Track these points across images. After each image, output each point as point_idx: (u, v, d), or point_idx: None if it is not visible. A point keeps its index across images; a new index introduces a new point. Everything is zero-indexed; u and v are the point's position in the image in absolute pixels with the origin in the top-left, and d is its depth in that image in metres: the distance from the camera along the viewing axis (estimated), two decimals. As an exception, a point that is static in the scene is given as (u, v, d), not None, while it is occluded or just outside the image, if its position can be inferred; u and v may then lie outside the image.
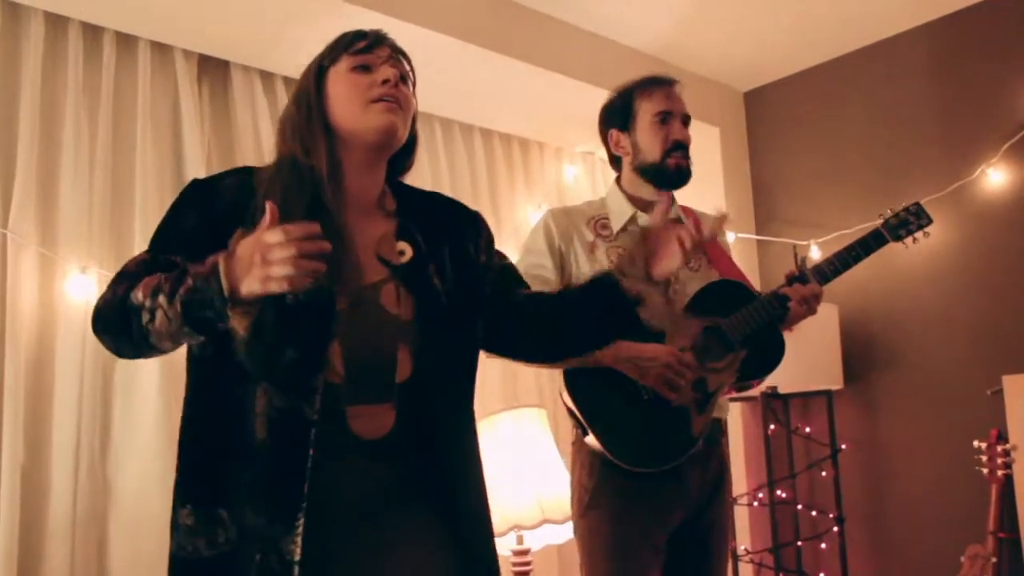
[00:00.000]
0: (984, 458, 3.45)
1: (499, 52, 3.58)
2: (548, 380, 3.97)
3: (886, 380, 4.07)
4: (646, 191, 2.61)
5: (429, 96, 3.86)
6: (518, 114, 4.15)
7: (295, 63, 3.47)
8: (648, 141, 2.57)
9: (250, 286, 1.41)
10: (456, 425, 1.75)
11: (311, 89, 1.76)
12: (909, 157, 3.99)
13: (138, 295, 1.50)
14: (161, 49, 3.23)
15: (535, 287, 2.36)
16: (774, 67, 4.46)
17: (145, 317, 1.49)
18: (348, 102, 1.73)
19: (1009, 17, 3.80)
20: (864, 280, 4.13)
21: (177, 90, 3.24)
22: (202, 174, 3.19)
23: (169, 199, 3.09)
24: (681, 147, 2.56)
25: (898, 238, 2.61)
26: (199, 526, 1.56)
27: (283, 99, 3.49)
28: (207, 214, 1.63)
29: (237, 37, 3.26)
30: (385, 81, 1.75)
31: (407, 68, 1.86)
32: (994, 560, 3.34)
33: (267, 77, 3.48)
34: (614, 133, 2.64)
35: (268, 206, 1.43)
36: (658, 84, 2.62)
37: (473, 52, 3.53)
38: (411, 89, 1.85)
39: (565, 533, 3.27)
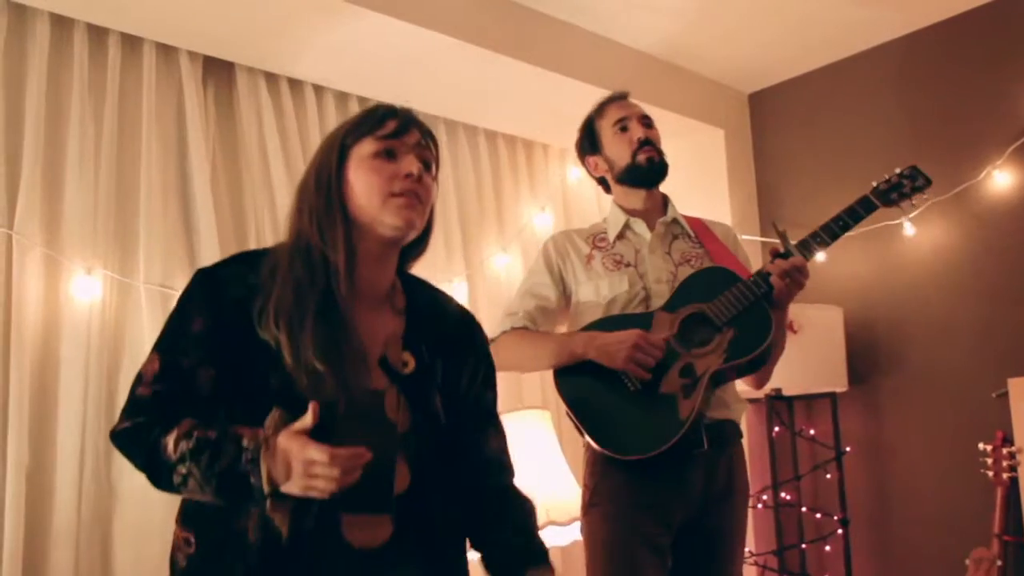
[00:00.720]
0: (989, 461, 3.44)
1: (503, 53, 3.58)
2: (552, 382, 3.97)
3: (891, 382, 4.06)
4: (635, 197, 2.69)
5: (434, 97, 3.88)
6: (523, 116, 4.15)
7: (299, 65, 3.52)
8: (615, 150, 2.69)
9: (290, 488, 1.46)
10: (451, 540, 1.77)
11: (333, 170, 1.69)
12: (914, 159, 3.91)
13: (168, 450, 1.52)
14: (166, 51, 3.23)
15: (535, 304, 2.58)
16: (779, 69, 4.46)
17: (176, 479, 1.52)
18: (368, 193, 1.67)
19: (1014, 19, 3.79)
20: (869, 282, 4.13)
21: (182, 92, 3.24)
22: (207, 176, 3.20)
23: (174, 201, 3.14)
24: (647, 143, 2.65)
25: (890, 202, 2.54)
26: None
27: (288, 100, 3.49)
28: (214, 315, 1.62)
29: (242, 39, 3.26)
30: (408, 175, 1.68)
31: (433, 154, 1.78)
32: (999, 563, 3.33)
33: (271, 79, 3.48)
34: (589, 159, 2.78)
35: (311, 408, 1.47)
36: (610, 101, 2.78)
37: (477, 53, 3.53)
38: (435, 174, 1.79)
39: (570, 535, 3.27)
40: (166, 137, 3.18)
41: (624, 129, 2.68)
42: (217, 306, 1.62)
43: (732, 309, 2.40)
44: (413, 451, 1.67)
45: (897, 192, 2.54)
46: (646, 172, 2.65)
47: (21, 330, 2.74)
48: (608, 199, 2.80)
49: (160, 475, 1.55)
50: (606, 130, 2.71)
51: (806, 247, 2.44)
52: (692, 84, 4.41)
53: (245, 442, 1.49)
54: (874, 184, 2.55)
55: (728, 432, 2.54)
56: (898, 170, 2.56)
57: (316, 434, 1.48)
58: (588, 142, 2.77)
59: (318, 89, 3.62)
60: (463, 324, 1.90)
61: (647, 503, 2.43)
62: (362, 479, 1.50)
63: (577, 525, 2.62)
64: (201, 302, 1.64)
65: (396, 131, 1.71)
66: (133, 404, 1.60)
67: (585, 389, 2.47)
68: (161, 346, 1.63)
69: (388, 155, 1.69)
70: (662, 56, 4.24)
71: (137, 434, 1.57)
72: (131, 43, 3.15)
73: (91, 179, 2.98)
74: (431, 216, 1.80)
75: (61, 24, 3.00)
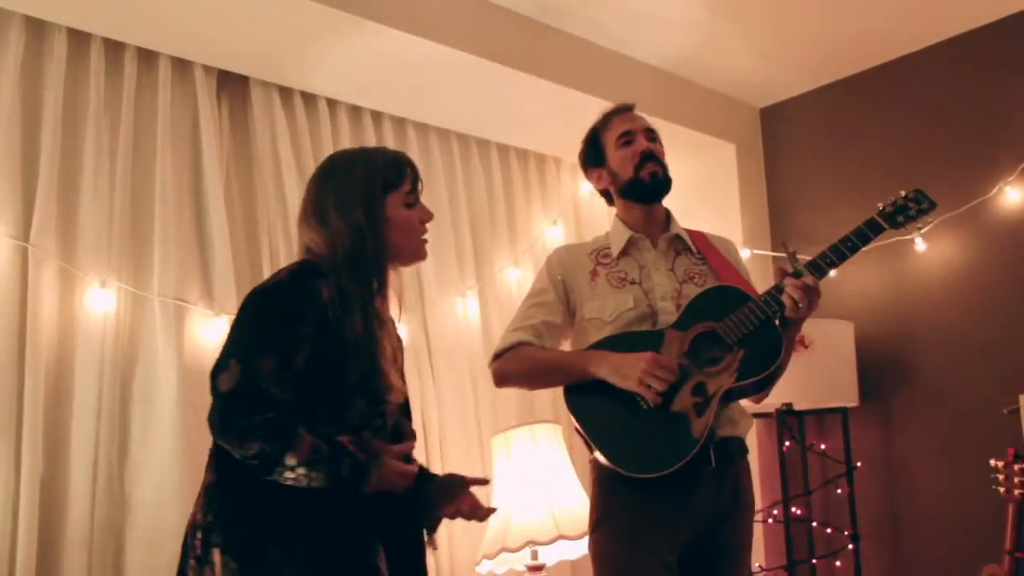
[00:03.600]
0: (1001, 477, 3.42)
1: (516, 68, 3.60)
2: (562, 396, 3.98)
3: (902, 398, 4.06)
4: (638, 211, 2.68)
5: (446, 111, 3.90)
6: (535, 130, 4.17)
7: (314, 79, 3.54)
8: (619, 162, 2.67)
9: (377, 487, 1.92)
10: None
11: (378, 208, 2.07)
12: (925, 174, 3.97)
13: (291, 458, 1.82)
14: (181, 65, 3.26)
15: (540, 319, 2.61)
16: (791, 84, 4.47)
17: (288, 477, 1.82)
18: (408, 232, 2.14)
19: (1026, 35, 3.80)
20: (880, 297, 4.13)
21: (197, 105, 3.27)
22: (221, 189, 3.22)
23: (188, 214, 3.17)
24: (651, 157, 2.64)
25: (896, 225, 2.51)
26: None
27: (301, 114, 3.52)
28: (314, 318, 1.93)
29: (256, 53, 3.29)
30: (426, 221, 2.19)
31: None
32: (1011, 580, 3.31)
33: (286, 92, 3.51)
34: (593, 172, 2.76)
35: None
36: (615, 113, 2.76)
37: (490, 68, 3.55)
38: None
39: (580, 548, 3.27)
40: (181, 151, 3.21)
41: (628, 143, 2.65)
42: (315, 312, 1.92)
43: (743, 328, 2.40)
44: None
45: (903, 215, 2.51)
46: (649, 187, 2.63)
47: (36, 341, 2.77)
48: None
49: (267, 462, 1.82)
50: (610, 143, 2.69)
51: (816, 268, 2.42)
52: (704, 98, 4.42)
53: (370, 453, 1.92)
54: (880, 206, 2.53)
55: (734, 448, 2.53)
56: (903, 193, 2.54)
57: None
58: (592, 154, 2.75)
59: (332, 103, 3.65)
60: None
61: (655, 521, 2.42)
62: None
63: (587, 540, 2.62)
64: (306, 309, 1.92)
65: (417, 185, 2.21)
66: (261, 397, 1.82)
67: (596, 406, 2.45)
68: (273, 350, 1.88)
69: (411, 206, 2.18)
70: (674, 71, 4.25)
71: (282, 427, 1.83)
72: (147, 57, 3.18)
73: (106, 192, 3.01)
74: None
75: (78, 39, 3.03)
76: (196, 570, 1.85)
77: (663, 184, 2.65)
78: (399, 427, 2.12)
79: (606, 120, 2.74)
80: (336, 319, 1.92)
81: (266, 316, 1.92)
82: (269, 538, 1.84)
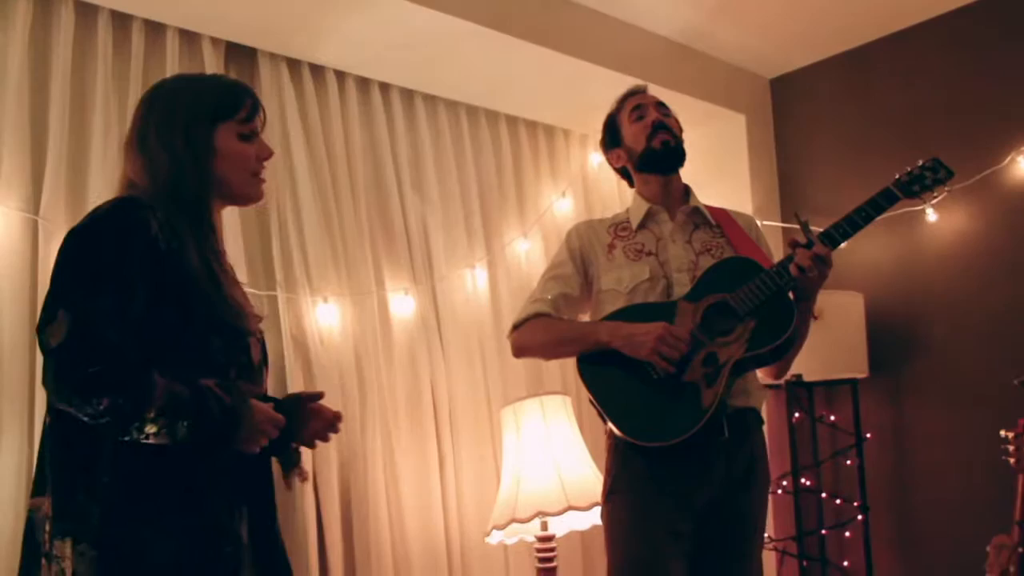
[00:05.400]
0: (1011, 448, 3.42)
1: (525, 39, 3.58)
2: (573, 367, 3.97)
3: (912, 369, 4.05)
4: (655, 184, 2.70)
5: (455, 83, 3.89)
6: (544, 101, 4.15)
7: (321, 51, 3.53)
8: (632, 137, 2.71)
9: (245, 448, 1.75)
10: None
11: (203, 137, 1.90)
12: (937, 144, 3.92)
13: (149, 410, 1.61)
14: (189, 37, 3.25)
15: (558, 291, 2.64)
16: (801, 54, 4.44)
17: (149, 431, 1.62)
18: (239, 166, 1.95)
19: (1040, 3, 3.76)
20: (890, 268, 4.12)
21: (205, 78, 3.25)
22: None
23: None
24: (662, 127, 2.67)
25: (912, 194, 2.50)
26: None
27: (309, 87, 3.51)
28: (143, 252, 1.76)
29: (264, 25, 3.27)
30: (265, 159, 2.01)
31: None
32: (1020, 550, 3.31)
33: (293, 65, 3.50)
34: (612, 153, 2.80)
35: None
36: (628, 96, 2.79)
37: (498, 39, 3.53)
38: None
39: (589, 519, 3.29)
40: (189, 123, 3.20)
41: (640, 117, 2.70)
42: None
43: (755, 299, 2.41)
44: None
45: (919, 184, 2.50)
46: (662, 156, 2.66)
47: (47, 314, 2.77)
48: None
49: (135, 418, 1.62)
50: (624, 121, 2.74)
51: (829, 238, 2.42)
52: (713, 69, 4.39)
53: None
54: (896, 176, 2.52)
55: (749, 420, 2.55)
56: (920, 162, 2.53)
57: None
58: (610, 136, 2.79)
59: (340, 75, 3.63)
60: None
61: (668, 490, 2.44)
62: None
63: (597, 510, 2.64)
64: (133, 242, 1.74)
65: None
66: (100, 344, 1.61)
67: (608, 376, 2.49)
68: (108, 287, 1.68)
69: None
70: (683, 41, 4.23)
71: (130, 374, 1.62)
72: (154, 30, 3.17)
73: (115, 165, 3.00)
74: None
75: (85, 11, 3.02)
76: (48, 570, 1.61)
77: (675, 152, 2.67)
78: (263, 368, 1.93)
79: (620, 103, 2.79)
80: (170, 252, 1.72)
81: (89, 255, 1.70)
82: (125, 515, 1.63)
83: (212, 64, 3.26)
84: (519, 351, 2.71)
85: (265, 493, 1.91)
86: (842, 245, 2.44)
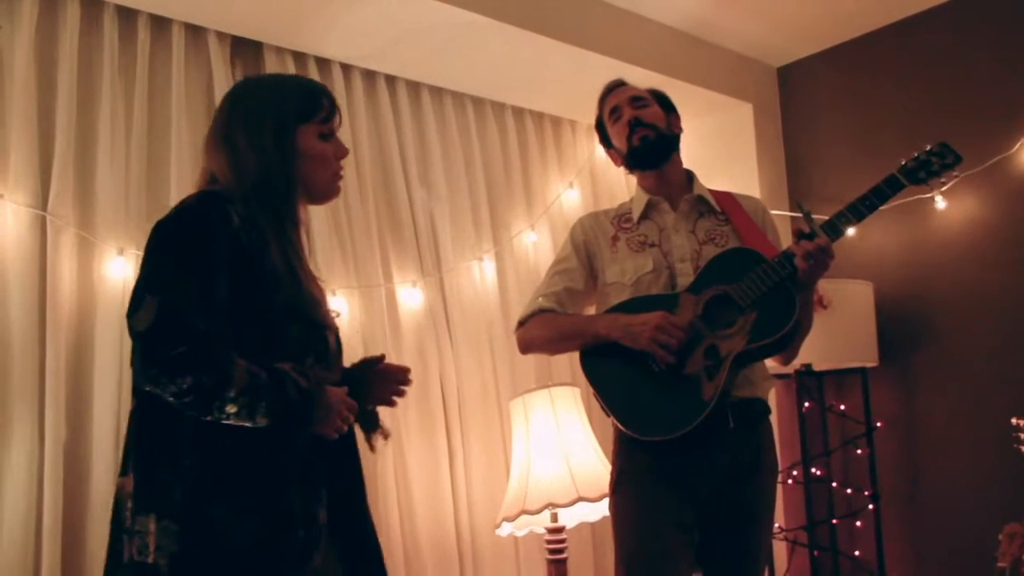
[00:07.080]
0: (1022, 435, 3.41)
1: (531, 30, 3.57)
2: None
3: (922, 357, 4.04)
4: (650, 179, 2.70)
5: (461, 75, 3.88)
6: (550, 92, 4.14)
7: (327, 44, 3.52)
8: (616, 138, 2.71)
9: (321, 430, 1.79)
10: None
11: (290, 137, 1.96)
12: (945, 131, 3.88)
13: (231, 390, 1.66)
14: (194, 31, 3.25)
15: (563, 286, 2.65)
16: (808, 42, 4.41)
17: (230, 411, 1.67)
18: (321, 166, 2.00)
19: (1049, -12, 3.74)
20: (900, 256, 4.10)
21: (211, 72, 3.26)
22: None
23: (204, 180, 3.15)
24: (638, 124, 2.64)
25: (918, 181, 2.46)
26: None
27: (315, 79, 3.49)
28: (227, 244, 1.81)
29: (270, 18, 3.27)
30: (342, 157, 2.07)
31: None
32: (1032, 538, 3.31)
33: (299, 58, 3.49)
34: (610, 154, 2.81)
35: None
36: (605, 96, 2.77)
37: (505, 30, 3.52)
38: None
39: (599, 510, 3.29)
40: (195, 117, 3.20)
41: (618, 118, 2.68)
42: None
43: (756, 291, 2.40)
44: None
45: (926, 170, 2.47)
46: (643, 153, 2.64)
47: (56, 309, 2.78)
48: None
49: (203, 392, 1.66)
50: (608, 123, 2.74)
51: (832, 227, 2.40)
52: (720, 58, 4.38)
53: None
54: (902, 162, 2.49)
55: (755, 410, 2.53)
56: (927, 147, 2.49)
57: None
58: (603, 139, 2.80)
59: (346, 68, 3.63)
60: None
61: (673, 482, 2.44)
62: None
63: (607, 502, 2.64)
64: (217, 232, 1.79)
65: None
66: (185, 328, 1.67)
67: (610, 370, 2.49)
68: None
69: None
70: (689, 30, 4.21)
71: (213, 355, 1.67)
72: (160, 24, 3.17)
73: (122, 160, 3.01)
74: None
75: (91, 6, 3.02)
76: (130, 544, 1.69)
77: (655, 145, 2.64)
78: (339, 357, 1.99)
79: (601, 104, 2.78)
80: (251, 246, 1.79)
81: (176, 244, 1.77)
82: (207, 495, 1.69)
83: (218, 58, 3.25)
84: (524, 347, 2.72)
85: (350, 475, 1.97)
86: (850, 232, 2.42)
